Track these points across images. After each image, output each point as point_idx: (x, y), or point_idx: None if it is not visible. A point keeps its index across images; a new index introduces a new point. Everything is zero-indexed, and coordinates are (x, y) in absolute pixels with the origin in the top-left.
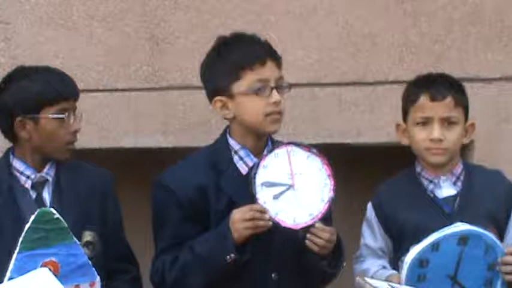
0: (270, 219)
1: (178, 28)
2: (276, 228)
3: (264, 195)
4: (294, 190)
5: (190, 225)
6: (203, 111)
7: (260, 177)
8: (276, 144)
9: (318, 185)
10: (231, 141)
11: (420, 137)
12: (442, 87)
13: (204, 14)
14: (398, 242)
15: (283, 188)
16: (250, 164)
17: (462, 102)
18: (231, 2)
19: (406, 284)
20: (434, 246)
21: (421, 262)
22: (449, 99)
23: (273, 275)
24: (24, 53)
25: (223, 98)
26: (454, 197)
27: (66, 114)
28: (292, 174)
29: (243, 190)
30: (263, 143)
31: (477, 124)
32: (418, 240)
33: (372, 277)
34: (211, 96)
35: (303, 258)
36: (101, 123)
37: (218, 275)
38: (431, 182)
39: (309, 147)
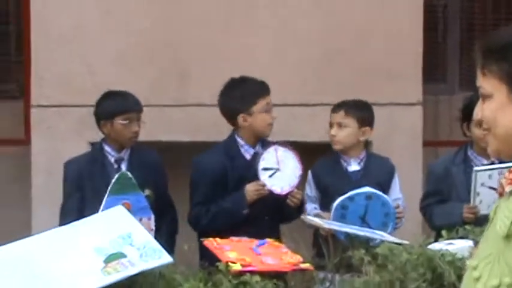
0: (267, 189)
1: (201, 67)
2: (271, 194)
3: (263, 176)
4: (280, 171)
5: (215, 190)
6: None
7: (260, 165)
8: (267, 144)
9: (293, 167)
10: (239, 139)
11: (329, 134)
12: (337, 106)
13: (218, 60)
14: (325, 195)
15: (274, 171)
16: (251, 152)
17: (353, 114)
18: (229, 58)
19: (334, 220)
20: (351, 199)
21: (342, 207)
22: (341, 112)
23: (266, 218)
24: (106, 84)
25: (244, 115)
26: (359, 171)
27: (128, 121)
28: (278, 162)
29: (248, 170)
30: (257, 140)
31: (375, 130)
32: (339, 196)
33: (308, 214)
34: (235, 115)
35: (283, 208)
36: (152, 126)
37: (236, 221)
38: (345, 161)
39: (287, 145)
